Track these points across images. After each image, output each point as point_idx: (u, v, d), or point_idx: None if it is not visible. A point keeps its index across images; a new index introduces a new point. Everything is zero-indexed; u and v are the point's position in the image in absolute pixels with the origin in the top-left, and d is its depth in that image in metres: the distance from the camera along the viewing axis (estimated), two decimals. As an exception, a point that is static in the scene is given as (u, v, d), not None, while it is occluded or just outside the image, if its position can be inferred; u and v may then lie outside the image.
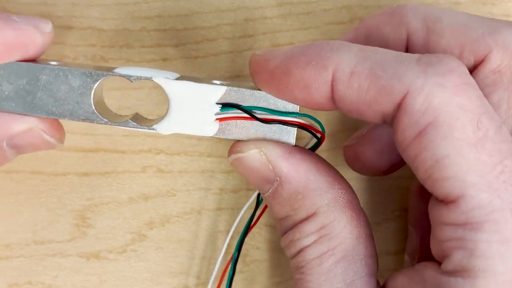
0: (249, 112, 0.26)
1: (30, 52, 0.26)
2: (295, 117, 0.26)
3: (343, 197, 0.25)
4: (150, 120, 0.27)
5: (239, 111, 0.26)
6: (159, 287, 0.31)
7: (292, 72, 0.24)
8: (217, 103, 0.26)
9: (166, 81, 0.26)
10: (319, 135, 0.26)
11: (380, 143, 0.29)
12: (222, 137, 0.26)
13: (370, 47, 0.24)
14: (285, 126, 0.26)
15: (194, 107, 0.26)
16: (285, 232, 0.26)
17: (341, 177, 0.26)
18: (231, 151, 0.26)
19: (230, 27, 0.32)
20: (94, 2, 0.32)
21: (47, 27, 0.27)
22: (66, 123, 0.31)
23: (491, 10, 0.32)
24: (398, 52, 0.24)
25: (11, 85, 0.26)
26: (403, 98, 0.22)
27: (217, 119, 0.26)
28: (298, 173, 0.25)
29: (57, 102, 0.26)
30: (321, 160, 0.26)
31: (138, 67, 0.27)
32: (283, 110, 0.26)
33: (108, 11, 0.32)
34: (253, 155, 0.26)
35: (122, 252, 0.32)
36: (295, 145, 0.26)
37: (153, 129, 0.26)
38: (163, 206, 0.32)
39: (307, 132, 0.26)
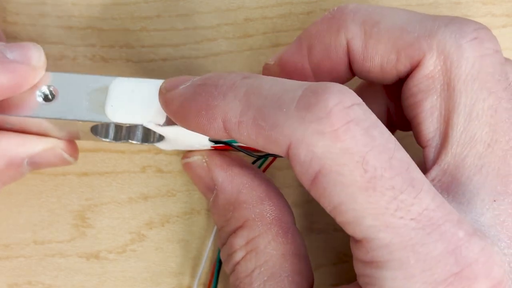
0: (238, 149, 0.27)
1: (25, 87, 0.26)
2: None
3: (271, 213, 0.26)
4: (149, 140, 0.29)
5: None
6: (159, 287, 0.31)
7: (189, 119, 0.24)
8: (210, 140, 0.27)
9: (157, 127, 0.26)
10: None
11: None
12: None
13: (258, 83, 0.23)
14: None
15: (189, 141, 0.27)
16: (222, 245, 0.27)
17: (276, 193, 0.26)
18: (183, 156, 0.28)
19: (230, 27, 0.33)
20: (94, 2, 0.32)
21: (40, 59, 0.26)
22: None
23: (491, 10, 0.32)
24: (283, 87, 0.23)
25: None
26: (288, 148, 0.22)
27: (212, 147, 0.27)
28: (232, 184, 0.26)
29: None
30: (259, 176, 0.27)
31: (127, 80, 0.27)
32: None
33: (108, 11, 0.32)
34: (196, 162, 0.27)
35: (121, 252, 0.32)
36: (240, 158, 0.27)
37: (154, 145, 0.28)
38: (163, 206, 0.32)
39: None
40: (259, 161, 0.29)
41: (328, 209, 0.22)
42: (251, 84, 0.23)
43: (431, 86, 0.25)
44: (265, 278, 0.25)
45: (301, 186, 0.28)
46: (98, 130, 0.28)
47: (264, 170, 0.29)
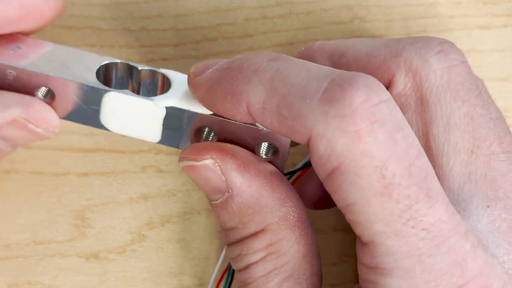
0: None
1: (46, 17, 0.26)
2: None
3: (293, 215, 0.25)
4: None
5: None
6: (159, 287, 0.31)
7: (215, 104, 0.24)
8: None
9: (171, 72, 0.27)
10: None
11: (313, 177, 0.29)
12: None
13: (284, 68, 0.23)
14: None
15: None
16: (231, 243, 0.26)
17: (294, 192, 0.26)
18: (182, 157, 0.25)
19: (230, 27, 0.32)
20: (94, 1, 0.32)
21: None
22: (66, 122, 0.31)
23: (491, 10, 0.32)
24: (310, 75, 0.22)
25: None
26: (309, 140, 0.22)
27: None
28: (251, 188, 0.25)
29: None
30: (276, 175, 0.25)
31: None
32: None
33: (108, 10, 0.32)
34: (207, 165, 0.25)
35: (122, 252, 0.31)
36: (253, 155, 0.25)
37: (151, 99, 0.26)
38: (163, 206, 0.32)
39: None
40: (288, 176, 0.28)
41: (340, 205, 0.22)
42: (277, 68, 0.23)
43: (404, 104, 0.25)
44: (283, 279, 0.24)
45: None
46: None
47: (293, 183, 0.28)
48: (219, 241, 0.32)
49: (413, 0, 0.32)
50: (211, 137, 0.26)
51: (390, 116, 0.21)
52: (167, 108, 0.26)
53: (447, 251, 0.21)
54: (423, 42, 0.25)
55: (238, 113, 0.23)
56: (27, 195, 0.32)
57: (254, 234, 0.25)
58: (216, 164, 0.25)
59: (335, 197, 0.22)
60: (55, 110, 0.27)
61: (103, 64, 0.27)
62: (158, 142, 0.27)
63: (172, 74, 0.27)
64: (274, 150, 0.25)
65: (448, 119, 0.25)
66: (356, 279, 0.26)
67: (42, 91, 0.26)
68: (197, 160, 0.25)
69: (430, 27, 0.31)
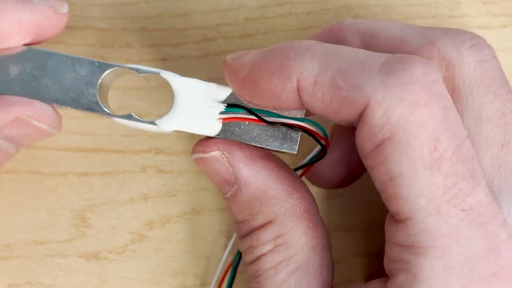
0: (255, 113, 0.25)
1: (45, 33, 0.26)
2: (300, 121, 0.25)
3: (300, 207, 0.25)
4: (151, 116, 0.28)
5: (244, 112, 0.25)
6: (159, 287, 0.31)
7: (259, 83, 0.24)
8: (222, 102, 0.26)
9: (174, 76, 0.26)
10: (323, 142, 0.26)
11: (334, 155, 0.28)
12: (223, 137, 0.26)
13: (336, 47, 0.23)
14: (289, 131, 0.25)
15: (199, 104, 0.26)
16: (243, 236, 0.26)
17: (302, 185, 0.26)
18: (194, 150, 0.26)
19: (230, 27, 0.32)
20: (94, 1, 0.32)
21: (63, 8, 0.27)
22: (66, 122, 0.31)
23: (491, 10, 0.32)
24: (364, 54, 0.23)
25: (18, 68, 0.26)
26: (363, 110, 0.22)
27: (220, 119, 0.26)
28: (257, 179, 0.25)
29: (61, 89, 0.26)
30: (283, 167, 0.26)
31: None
32: (288, 114, 0.25)
33: (108, 11, 0.32)
34: (214, 157, 0.25)
35: (122, 252, 0.31)
36: (260, 149, 0.26)
37: (155, 123, 0.26)
38: (163, 206, 0.32)
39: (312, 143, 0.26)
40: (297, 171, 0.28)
41: (382, 179, 0.22)
42: (330, 46, 0.23)
43: None
44: (292, 270, 0.25)
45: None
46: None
47: (301, 176, 0.28)
48: (219, 241, 0.32)
49: (413, 0, 0.32)
50: None
51: (445, 95, 0.22)
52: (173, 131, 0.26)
53: (484, 236, 0.21)
54: (457, 34, 0.25)
55: (284, 91, 0.23)
56: (27, 195, 0.32)
57: (263, 226, 0.25)
58: (223, 155, 0.25)
59: (379, 171, 0.22)
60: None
61: (105, 75, 0.27)
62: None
63: (172, 80, 0.26)
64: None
65: (480, 112, 0.24)
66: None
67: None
68: (205, 152, 0.26)
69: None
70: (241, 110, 0.25)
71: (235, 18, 0.32)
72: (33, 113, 0.26)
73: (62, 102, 0.26)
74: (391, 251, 0.23)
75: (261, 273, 0.25)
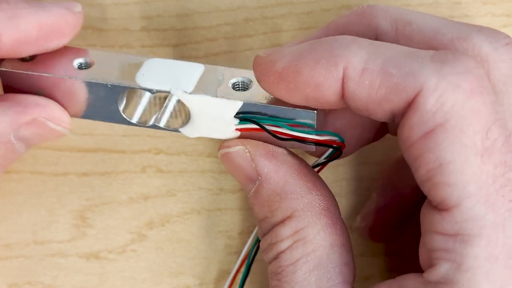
0: (266, 129, 0.26)
1: (65, 33, 0.27)
2: (313, 134, 0.26)
3: (319, 204, 0.25)
4: (174, 123, 0.28)
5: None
6: (159, 287, 0.31)
7: (301, 72, 0.23)
8: (235, 117, 0.26)
9: (183, 94, 0.26)
10: (339, 146, 0.26)
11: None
12: None
13: (381, 42, 0.24)
14: (302, 144, 0.26)
15: (213, 118, 0.26)
16: (264, 235, 0.26)
17: (322, 183, 0.26)
18: (220, 146, 0.27)
19: (230, 27, 0.32)
20: (94, 2, 0.32)
21: (77, 7, 0.28)
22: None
23: (491, 10, 0.32)
24: (411, 48, 0.23)
25: None
26: (415, 96, 0.22)
27: (237, 129, 0.26)
28: (277, 174, 0.25)
29: (89, 106, 0.28)
30: (303, 164, 0.26)
31: (163, 60, 0.28)
32: (301, 124, 0.26)
33: (108, 11, 0.32)
34: (238, 152, 0.26)
35: (122, 252, 0.31)
36: (283, 148, 0.26)
37: (179, 131, 0.27)
38: (163, 206, 0.32)
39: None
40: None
41: (430, 166, 0.22)
42: (374, 40, 0.23)
43: None
44: (311, 268, 0.24)
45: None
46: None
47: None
48: (219, 241, 0.32)
49: (413, 0, 0.32)
50: None
51: (491, 90, 0.22)
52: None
53: None
54: (491, 32, 0.25)
55: (328, 79, 0.23)
56: (27, 195, 0.32)
57: (282, 221, 0.25)
58: (247, 150, 0.26)
59: (428, 157, 0.22)
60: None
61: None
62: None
63: (183, 98, 0.27)
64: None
65: None
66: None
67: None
68: (230, 147, 0.26)
69: (430, 27, 0.31)
70: (254, 126, 0.26)
71: (235, 18, 0.33)
72: (49, 114, 0.27)
73: (94, 117, 0.28)
74: (431, 241, 0.23)
75: (281, 270, 0.25)
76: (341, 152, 0.26)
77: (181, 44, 0.32)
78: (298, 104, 0.25)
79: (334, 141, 0.26)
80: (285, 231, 0.25)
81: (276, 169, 0.25)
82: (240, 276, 0.30)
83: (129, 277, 0.31)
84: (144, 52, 0.32)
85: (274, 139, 0.26)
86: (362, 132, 0.28)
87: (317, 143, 0.26)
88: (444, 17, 0.26)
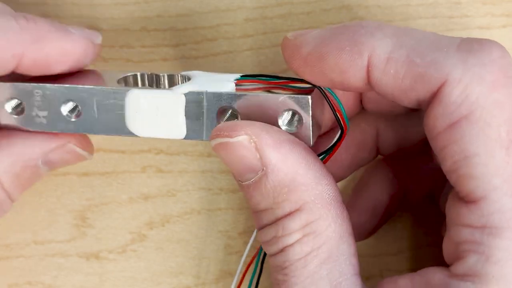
0: (266, 76, 0.25)
1: (82, 63, 0.28)
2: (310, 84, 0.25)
3: (328, 194, 0.24)
4: None
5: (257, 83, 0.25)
6: (159, 287, 0.31)
7: (326, 59, 0.23)
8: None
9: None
10: (338, 116, 0.25)
11: (360, 209, 0.29)
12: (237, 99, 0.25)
13: (406, 29, 0.23)
14: (300, 96, 0.24)
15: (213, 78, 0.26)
16: (263, 226, 0.25)
17: (327, 171, 0.25)
18: (216, 135, 0.24)
19: (230, 27, 0.32)
20: (94, 2, 0.32)
21: (98, 39, 0.29)
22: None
23: (491, 10, 0.32)
24: (437, 36, 0.23)
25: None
26: (440, 87, 0.22)
27: (237, 81, 0.26)
28: (286, 164, 0.24)
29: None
30: (310, 153, 0.25)
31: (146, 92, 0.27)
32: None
33: (108, 11, 0.32)
34: (241, 142, 0.24)
35: (122, 252, 0.32)
36: (286, 133, 0.24)
37: (170, 89, 0.26)
38: (163, 206, 0.32)
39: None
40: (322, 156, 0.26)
41: (455, 158, 0.22)
42: (399, 28, 0.23)
43: None
44: (322, 261, 0.24)
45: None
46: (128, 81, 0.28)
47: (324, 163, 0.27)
48: (219, 241, 0.32)
49: (413, 0, 0.32)
50: (235, 118, 0.25)
51: None
52: (185, 94, 0.25)
53: None
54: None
55: (352, 66, 0.23)
56: (27, 195, 0.32)
57: (289, 214, 0.24)
58: (252, 140, 0.24)
59: (453, 149, 0.22)
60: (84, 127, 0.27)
61: (125, 76, 0.28)
62: (184, 138, 0.26)
63: (191, 72, 0.27)
64: (298, 118, 0.25)
65: None
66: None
67: (68, 106, 0.27)
68: (232, 137, 0.24)
69: (430, 27, 0.31)
70: (255, 78, 0.25)
71: (235, 18, 0.32)
72: (78, 140, 0.28)
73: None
74: (458, 234, 0.22)
75: (289, 264, 0.24)
76: (342, 131, 0.25)
77: (181, 44, 0.32)
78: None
79: (333, 100, 0.25)
80: (294, 224, 0.24)
81: (284, 159, 0.24)
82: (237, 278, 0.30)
83: (129, 277, 0.31)
84: (144, 53, 0.32)
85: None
86: (356, 152, 0.28)
87: (317, 87, 0.25)
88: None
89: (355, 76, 0.23)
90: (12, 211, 0.32)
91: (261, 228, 0.25)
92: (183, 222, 0.32)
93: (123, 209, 0.32)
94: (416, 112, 0.27)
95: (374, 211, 0.29)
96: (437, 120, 0.22)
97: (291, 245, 0.24)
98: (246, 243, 0.31)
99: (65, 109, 0.27)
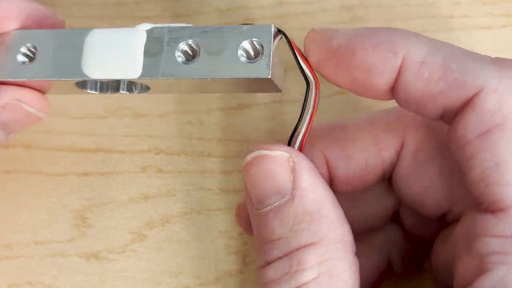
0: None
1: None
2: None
3: (348, 238, 0.23)
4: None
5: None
6: (159, 287, 0.31)
7: (357, 53, 0.23)
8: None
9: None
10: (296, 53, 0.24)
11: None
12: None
13: (439, 40, 0.23)
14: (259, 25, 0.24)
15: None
16: (273, 260, 0.23)
17: (344, 215, 0.24)
18: (253, 149, 0.24)
19: (230, 27, 0.32)
20: (94, 2, 0.32)
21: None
22: (66, 122, 0.31)
23: (491, 10, 0.32)
24: (470, 51, 0.23)
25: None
26: (475, 95, 0.22)
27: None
28: (315, 193, 0.23)
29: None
30: (333, 193, 0.24)
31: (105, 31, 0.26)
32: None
33: (108, 11, 0.32)
34: (279, 158, 0.23)
35: (122, 252, 0.31)
36: (317, 170, 0.24)
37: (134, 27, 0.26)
38: (163, 206, 0.32)
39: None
40: None
41: (485, 166, 0.22)
42: (432, 38, 0.23)
43: None
44: None
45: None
46: (84, 84, 0.27)
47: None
48: (219, 241, 0.32)
49: (413, 0, 0.32)
50: (194, 51, 0.25)
51: None
52: (147, 31, 0.25)
53: None
54: None
55: (383, 65, 0.23)
56: (27, 195, 0.32)
57: (305, 246, 0.22)
58: (291, 160, 0.23)
59: (484, 156, 0.22)
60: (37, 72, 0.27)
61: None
62: (139, 77, 0.25)
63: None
64: (260, 47, 0.24)
65: None
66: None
67: (24, 49, 0.26)
68: (271, 150, 0.23)
69: (430, 27, 0.31)
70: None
71: (235, 18, 0.32)
72: (23, 97, 0.27)
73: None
74: (485, 245, 0.22)
75: None
76: (307, 80, 0.24)
77: (181, 44, 0.32)
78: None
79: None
80: (311, 258, 0.22)
81: (315, 188, 0.23)
82: (237, 278, 0.30)
83: (129, 277, 0.31)
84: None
85: None
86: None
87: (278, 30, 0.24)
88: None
89: (383, 77, 0.23)
90: (12, 211, 0.32)
91: (270, 263, 0.23)
92: (183, 222, 0.32)
93: (123, 209, 0.32)
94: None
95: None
96: (468, 128, 0.22)
97: (307, 283, 0.22)
98: (246, 243, 0.31)
99: (20, 55, 0.26)
